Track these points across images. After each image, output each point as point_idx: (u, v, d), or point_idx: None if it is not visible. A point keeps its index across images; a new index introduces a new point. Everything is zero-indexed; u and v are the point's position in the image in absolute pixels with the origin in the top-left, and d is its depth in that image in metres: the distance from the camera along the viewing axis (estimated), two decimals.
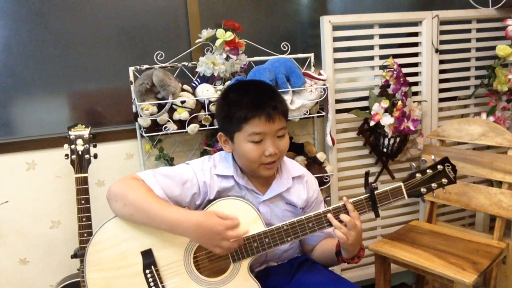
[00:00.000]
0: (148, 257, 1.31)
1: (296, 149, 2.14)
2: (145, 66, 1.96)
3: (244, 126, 1.32)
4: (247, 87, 1.42)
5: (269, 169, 1.38)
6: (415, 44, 2.31)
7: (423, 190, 1.37)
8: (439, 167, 1.37)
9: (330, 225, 1.34)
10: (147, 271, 1.30)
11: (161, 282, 1.31)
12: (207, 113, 1.91)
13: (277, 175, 1.47)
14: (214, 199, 1.37)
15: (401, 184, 1.37)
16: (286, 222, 1.33)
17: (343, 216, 1.32)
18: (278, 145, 1.35)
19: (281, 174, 1.47)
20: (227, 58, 1.93)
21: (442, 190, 1.40)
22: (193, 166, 1.41)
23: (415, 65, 2.32)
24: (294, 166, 1.53)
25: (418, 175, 1.37)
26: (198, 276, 1.33)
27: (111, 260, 1.30)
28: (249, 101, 1.32)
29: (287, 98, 1.98)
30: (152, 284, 1.30)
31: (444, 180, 1.37)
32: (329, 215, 1.33)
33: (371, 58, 2.25)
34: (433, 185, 1.37)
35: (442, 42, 2.31)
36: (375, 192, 1.35)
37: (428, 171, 1.37)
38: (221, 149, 1.50)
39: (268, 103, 1.32)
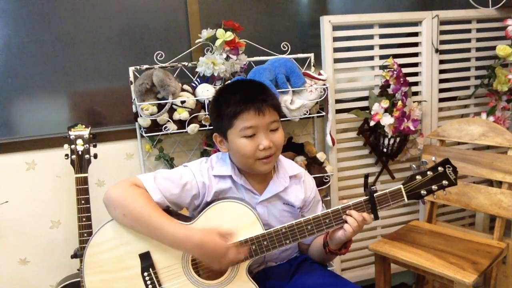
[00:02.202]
0: (146, 260, 1.30)
1: (296, 149, 2.14)
2: (145, 66, 1.96)
3: (234, 121, 1.33)
4: (237, 86, 1.43)
5: (266, 164, 1.37)
6: (415, 44, 2.31)
7: (423, 192, 1.36)
8: (440, 168, 1.36)
9: (329, 227, 1.34)
10: (145, 273, 1.30)
11: (160, 285, 1.31)
12: (207, 113, 1.91)
13: (274, 175, 1.47)
14: (212, 201, 1.37)
15: (401, 186, 1.36)
16: (285, 225, 1.33)
17: (365, 215, 1.33)
18: (272, 138, 1.35)
19: (278, 174, 1.47)
20: (227, 58, 1.93)
21: (443, 192, 1.39)
22: (192, 167, 1.41)
23: (415, 65, 2.32)
24: (290, 165, 1.53)
25: (418, 177, 1.36)
26: (196, 278, 1.33)
27: (110, 262, 1.30)
28: (238, 97, 1.34)
29: (287, 98, 1.98)
30: (150, 286, 1.30)
31: (445, 182, 1.37)
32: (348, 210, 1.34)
33: (371, 58, 2.25)
34: (434, 187, 1.36)
35: (442, 42, 2.31)
36: (375, 194, 1.35)
37: (428, 173, 1.36)
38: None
39: (256, 97, 1.33)
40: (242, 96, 1.33)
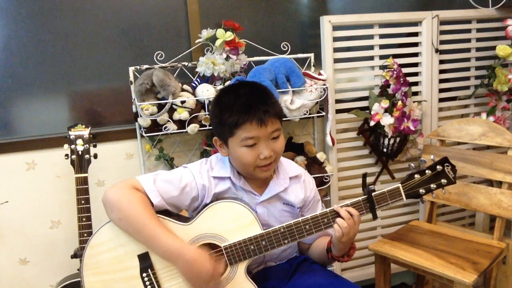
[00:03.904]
0: (145, 261, 1.30)
1: (296, 149, 2.14)
2: (145, 66, 1.96)
3: (236, 131, 1.31)
4: (238, 90, 1.37)
5: (265, 171, 1.38)
6: (415, 44, 2.31)
7: (421, 191, 1.35)
8: (439, 167, 1.36)
9: (328, 227, 1.34)
10: (144, 274, 1.30)
11: (159, 286, 1.30)
12: (207, 113, 1.91)
13: (274, 175, 1.47)
14: (211, 202, 1.37)
15: (399, 185, 1.36)
16: (283, 224, 1.33)
17: (352, 210, 1.32)
18: (273, 147, 1.35)
19: (278, 175, 1.47)
20: (227, 58, 1.93)
21: (442, 191, 1.38)
22: (191, 169, 1.41)
23: (415, 65, 2.32)
24: (290, 166, 1.53)
25: (417, 176, 1.36)
26: None
27: (109, 263, 1.30)
28: (239, 105, 1.31)
29: (287, 98, 1.98)
30: (149, 287, 1.30)
31: (444, 181, 1.36)
32: (336, 207, 1.32)
33: (371, 58, 2.25)
34: (432, 186, 1.36)
35: (442, 42, 2.31)
36: (373, 194, 1.34)
37: (427, 171, 1.36)
38: None
39: (259, 107, 1.30)
40: (244, 105, 1.30)
